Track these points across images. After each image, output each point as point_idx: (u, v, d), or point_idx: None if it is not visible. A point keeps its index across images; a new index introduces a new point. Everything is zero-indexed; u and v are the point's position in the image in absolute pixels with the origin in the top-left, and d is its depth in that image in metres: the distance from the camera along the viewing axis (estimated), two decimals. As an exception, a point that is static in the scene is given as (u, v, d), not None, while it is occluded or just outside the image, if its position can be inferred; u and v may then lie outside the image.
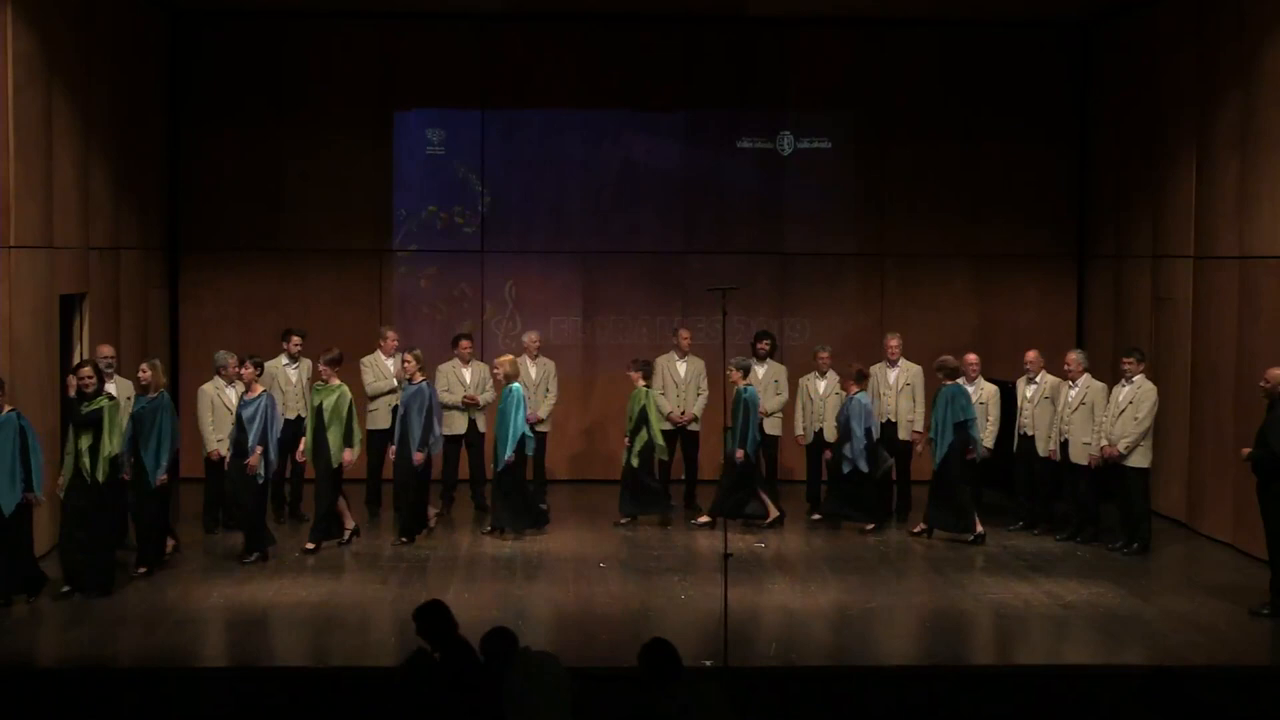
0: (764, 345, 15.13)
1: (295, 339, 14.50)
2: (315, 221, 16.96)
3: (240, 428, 12.82)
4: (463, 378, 14.83)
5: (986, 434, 14.35)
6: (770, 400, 15.01)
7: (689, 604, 11.53)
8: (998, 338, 16.89)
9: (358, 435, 13.40)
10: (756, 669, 9.86)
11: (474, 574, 12.48)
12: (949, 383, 13.94)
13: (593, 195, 17.25)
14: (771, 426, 15.06)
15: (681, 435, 15.12)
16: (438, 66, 17.04)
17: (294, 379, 14.40)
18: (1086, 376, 13.72)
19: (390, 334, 14.93)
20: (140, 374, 12.28)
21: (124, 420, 12.05)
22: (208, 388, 13.75)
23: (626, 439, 14.38)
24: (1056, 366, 14.38)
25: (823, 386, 14.86)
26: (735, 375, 14.20)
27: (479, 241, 17.17)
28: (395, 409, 14.23)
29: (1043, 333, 16.76)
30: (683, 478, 15.30)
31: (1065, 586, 12.10)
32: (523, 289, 17.20)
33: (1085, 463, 13.57)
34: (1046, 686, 9.77)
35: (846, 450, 14.11)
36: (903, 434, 14.81)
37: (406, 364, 13.65)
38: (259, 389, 12.95)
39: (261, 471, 12.77)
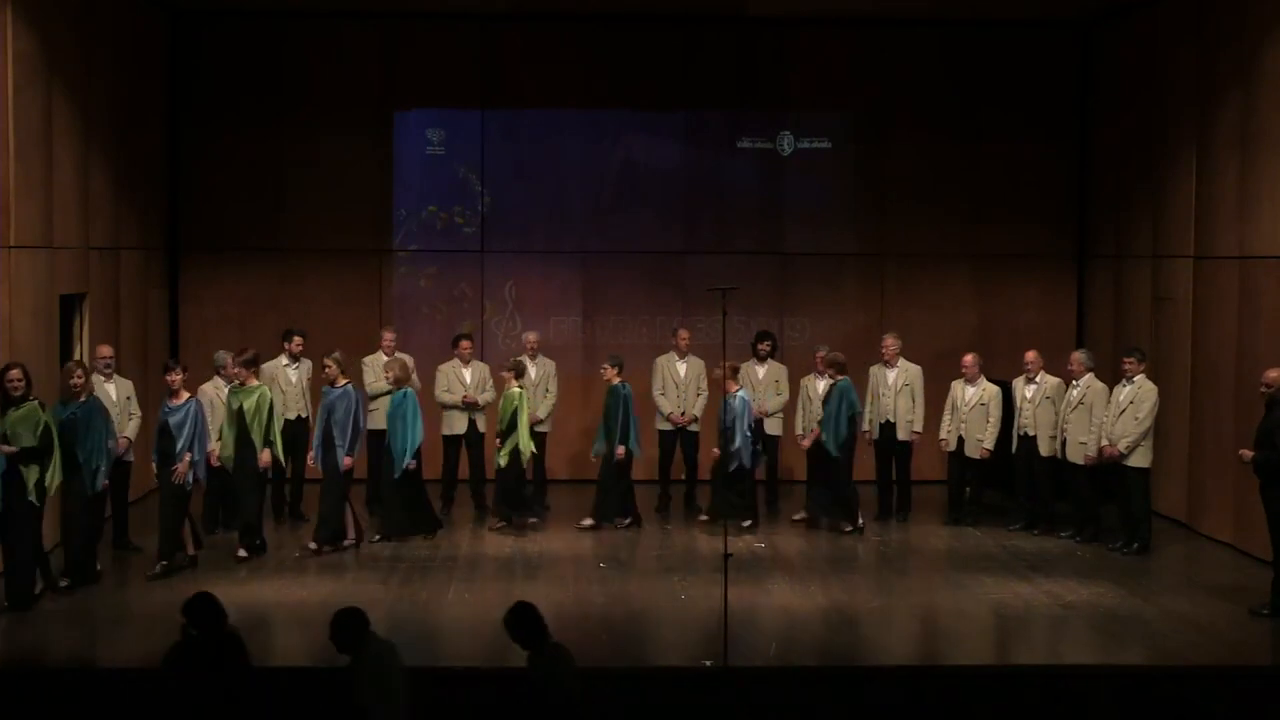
0: (765, 346, 15.13)
1: (297, 339, 14.51)
2: (315, 221, 16.95)
3: (165, 435, 12.27)
4: (463, 378, 14.82)
5: (987, 435, 14.36)
6: (771, 401, 15.02)
7: (689, 604, 11.53)
8: (998, 338, 16.88)
9: (276, 436, 12.93)
10: (756, 669, 9.86)
11: (474, 574, 12.48)
12: (840, 378, 14.16)
13: (593, 195, 17.25)
14: (772, 427, 15.07)
15: (681, 435, 15.11)
16: (438, 66, 17.04)
17: (294, 379, 14.42)
18: (1089, 377, 13.72)
19: (387, 334, 14.95)
20: (75, 380, 11.66)
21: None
22: (207, 387, 13.75)
23: (498, 440, 14.07)
24: (1056, 366, 14.38)
25: (822, 386, 14.86)
26: (610, 373, 14.21)
27: (479, 241, 17.17)
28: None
29: (1043, 333, 16.76)
30: (683, 478, 15.30)
31: (1065, 586, 12.10)
32: (523, 289, 17.20)
33: (1082, 462, 13.58)
34: (1046, 686, 9.77)
35: (732, 449, 13.94)
36: (902, 434, 14.78)
37: (327, 368, 13.23)
38: (185, 394, 12.44)
39: (190, 479, 12.24)
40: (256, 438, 12.78)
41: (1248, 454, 11.38)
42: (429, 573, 12.48)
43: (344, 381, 13.27)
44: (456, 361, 14.90)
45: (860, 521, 14.21)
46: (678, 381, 15.07)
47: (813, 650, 10.49)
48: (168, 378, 12.52)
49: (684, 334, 15.40)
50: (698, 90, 17.15)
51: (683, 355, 15.20)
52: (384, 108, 17.03)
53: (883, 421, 14.77)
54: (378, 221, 17.08)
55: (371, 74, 16.99)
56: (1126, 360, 13.48)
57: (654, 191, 17.22)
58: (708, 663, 9.82)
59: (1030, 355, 14.33)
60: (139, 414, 13.25)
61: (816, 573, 12.69)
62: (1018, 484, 14.47)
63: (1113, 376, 13.86)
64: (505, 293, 17.18)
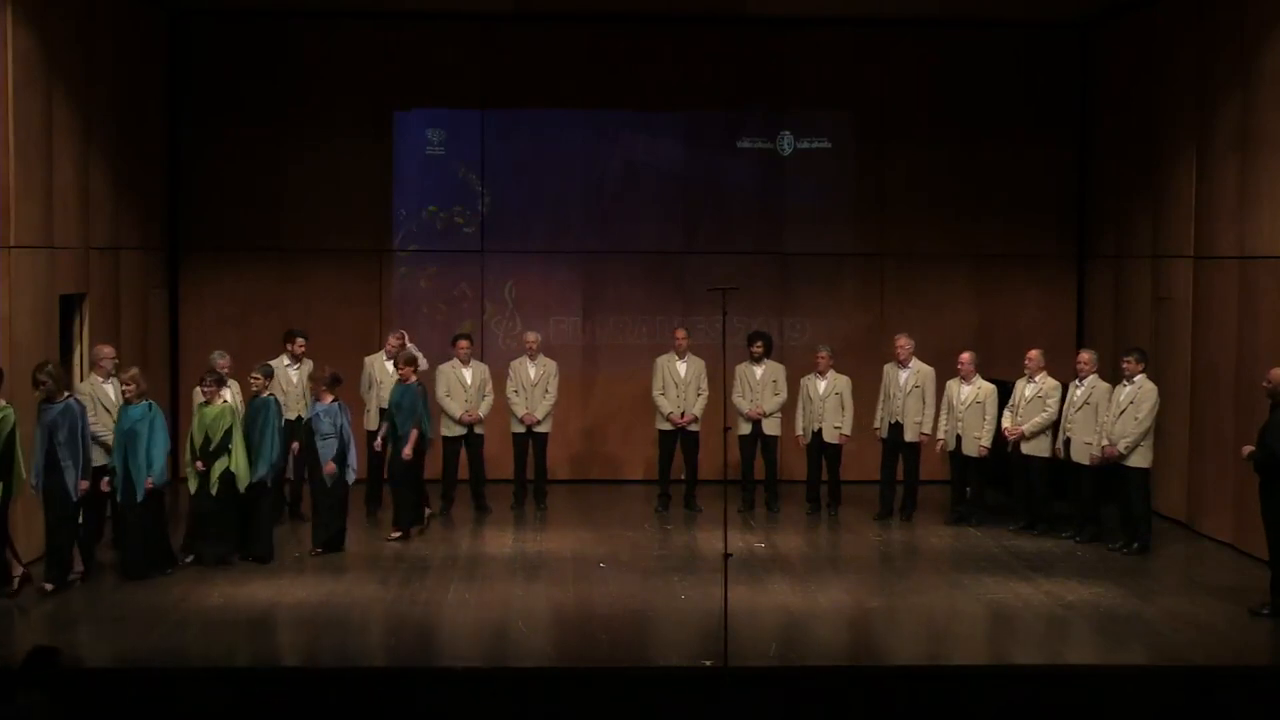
0: (758, 347, 15.09)
1: (299, 341, 14.52)
2: (315, 221, 16.95)
3: None
4: (463, 378, 14.82)
5: (984, 432, 14.35)
6: (769, 401, 15.01)
7: (689, 604, 11.53)
8: (998, 338, 16.87)
9: (17, 469, 11.27)
10: (756, 669, 9.86)
11: (474, 574, 12.48)
12: (415, 380, 13.83)
13: (593, 195, 17.25)
14: (770, 427, 15.06)
15: (681, 436, 15.11)
16: (438, 66, 17.04)
17: (295, 379, 14.42)
18: (1094, 377, 13.72)
19: (391, 337, 14.96)
20: None
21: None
22: (200, 391, 13.71)
23: (200, 464, 12.47)
24: (1056, 367, 14.39)
25: (822, 386, 14.87)
26: (261, 382, 13.03)
27: (479, 241, 17.17)
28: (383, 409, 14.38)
29: (1043, 333, 16.75)
30: (682, 478, 15.29)
31: (1065, 586, 12.09)
32: (523, 289, 17.19)
33: (1087, 463, 13.58)
34: (1046, 686, 9.77)
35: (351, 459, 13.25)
36: (909, 435, 14.77)
37: (42, 384, 11.47)
38: None
39: None
40: (18, 460, 11.27)
41: (1248, 448, 11.41)
42: (429, 573, 12.47)
43: (64, 395, 11.64)
44: (456, 362, 14.90)
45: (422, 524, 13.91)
46: (678, 381, 15.07)
47: (813, 650, 10.49)
48: None
49: (680, 334, 15.38)
50: (698, 90, 17.15)
51: (681, 355, 15.20)
52: (384, 108, 17.03)
53: (892, 423, 14.78)
54: (378, 221, 17.08)
55: (371, 74, 16.99)
56: (1126, 360, 13.48)
57: (654, 191, 17.21)
58: (708, 663, 9.82)
59: (1032, 354, 14.31)
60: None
61: (816, 573, 12.69)
62: (1015, 484, 14.47)
63: (1113, 376, 13.86)
64: (505, 293, 17.18)
